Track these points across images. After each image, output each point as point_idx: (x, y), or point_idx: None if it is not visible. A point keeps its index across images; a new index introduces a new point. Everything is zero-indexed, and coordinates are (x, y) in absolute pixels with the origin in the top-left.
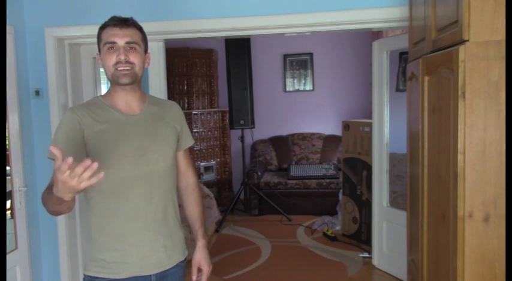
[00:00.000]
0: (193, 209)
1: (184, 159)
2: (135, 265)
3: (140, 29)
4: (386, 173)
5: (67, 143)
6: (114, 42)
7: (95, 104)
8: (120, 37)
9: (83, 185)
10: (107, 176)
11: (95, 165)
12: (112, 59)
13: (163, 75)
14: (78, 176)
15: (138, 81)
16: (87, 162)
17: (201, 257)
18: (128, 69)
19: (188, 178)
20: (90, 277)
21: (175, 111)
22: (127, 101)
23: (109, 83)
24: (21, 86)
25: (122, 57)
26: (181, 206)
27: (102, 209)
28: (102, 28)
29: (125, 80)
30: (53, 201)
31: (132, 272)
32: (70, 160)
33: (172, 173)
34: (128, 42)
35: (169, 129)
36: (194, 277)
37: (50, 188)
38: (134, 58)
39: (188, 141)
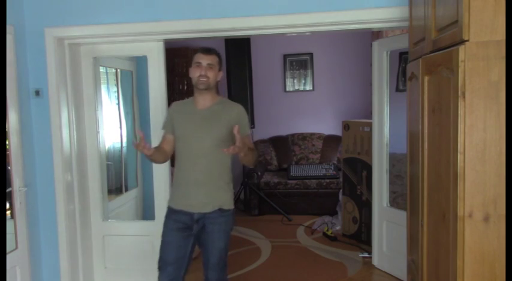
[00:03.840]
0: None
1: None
2: (184, 203)
3: (218, 55)
4: (386, 173)
5: (167, 123)
6: (200, 63)
7: (187, 101)
8: (204, 60)
9: (144, 152)
10: (181, 145)
11: (147, 146)
12: (197, 73)
13: (163, 75)
14: (140, 148)
15: (211, 88)
16: (142, 142)
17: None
18: (204, 80)
19: None
20: (168, 206)
21: (234, 110)
22: (201, 100)
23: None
24: (21, 86)
25: (203, 73)
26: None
27: (177, 167)
28: (195, 53)
29: (201, 87)
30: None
31: (182, 207)
32: (141, 135)
33: (217, 152)
34: (208, 64)
35: (221, 121)
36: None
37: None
38: (210, 74)
39: (244, 131)
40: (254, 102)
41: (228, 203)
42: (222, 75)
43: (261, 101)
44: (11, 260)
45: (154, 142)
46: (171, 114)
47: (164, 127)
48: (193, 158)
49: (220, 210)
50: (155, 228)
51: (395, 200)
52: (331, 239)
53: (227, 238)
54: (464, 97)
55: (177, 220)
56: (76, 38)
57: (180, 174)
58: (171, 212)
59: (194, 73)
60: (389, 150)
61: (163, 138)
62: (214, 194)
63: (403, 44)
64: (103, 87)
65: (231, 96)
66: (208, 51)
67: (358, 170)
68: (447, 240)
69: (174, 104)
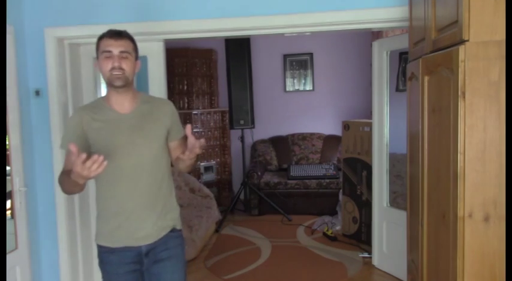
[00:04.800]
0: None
1: (179, 147)
2: (127, 239)
3: (132, 40)
4: (387, 173)
5: (72, 138)
6: (110, 51)
7: (96, 105)
8: (115, 47)
9: (92, 174)
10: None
11: (101, 159)
12: (108, 65)
13: (163, 75)
14: (88, 168)
15: (130, 84)
16: (95, 157)
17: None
18: (119, 74)
19: None
20: (98, 245)
21: (166, 108)
22: (120, 101)
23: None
24: (21, 86)
25: (116, 64)
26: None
27: (103, 191)
28: (100, 39)
29: (118, 83)
30: (69, 183)
31: (125, 244)
32: (83, 156)
33: (160, 163)
34: (121, 52)
35: (157, 125)
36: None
37: (65, 172)
38: (126, 65)
39: (179, 132)
40: (254, 102)
41: (179, 222)
42: (139, 65)
43: (261, 101)
44: (11, 260)
45: None
46: (79, 125)
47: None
48: (130, 179)
49: (172, 230)
50: None
51: (395, 200)
52: (331, 239)
53: (185, 267)
54: (464, 97)
55: (123, 261)
56: (76, 38)
57: (111, 202)
58: (108, 254)
59: (104, 66)
60: (390, 150)
61: (68, 159)
62: (165, 217)
63: (403, 44)
64: (103, 87)
65: (231, 97)
66: (118, 34)
67: (358, 170)
68: (447, 240)
69: (80, 110)
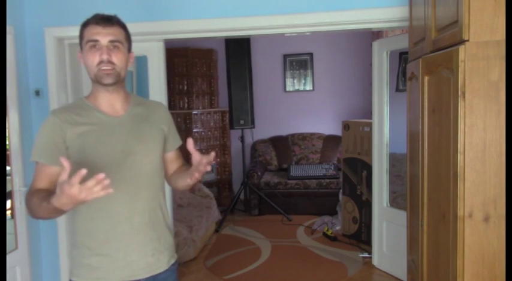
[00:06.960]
0: (182, 168)
1: (176, 160)
2: (123, 270)
3: (124, 27)
4: (387, 173)
5: (49, 147)
6: (96, 41)
7: (78, 106)
8: (103, 35)
9: (90, 197)
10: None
11: (107, 182)
12: (95, 58)
13: (163, 75)
14: (87, 190)
15: (121, 81)
16: (100, 176)
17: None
18: (109, 69)
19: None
20: None
21: (161, 111)
22: (110, 102)
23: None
24: (21, 86)
25: (105, 57)
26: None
27: (87, 212)
28: (84, 26)
29: (108, 80)
30: (47, 210)
31: (120, 277)
32: (83, 172)
33: (160, 175)
34: (111, 41)
35: (155, 131)
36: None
37: (40, 194)
38: (117, 58)
39: (176, 141)
40: (254, 102)
41: (174, 251)
42: (133, 59)
43: (261, 101)
44: (11, 260)
45: None
46: (58, 131)
47: (44, 156)
48: (126, 194)
49: (173, 264)
50: None
51: (396, 200)
52: (331, 239)
53: None
54: (464, 97)
55: None
56: (76, 38)
57: (101, 225)
58: None
59: (90, 59)
60: (390, 150)
61: (42, 174)
62: (165, 241)
63: (403, 44)
64: None
65: (231, 97)
66: (107, 20)
67: (358, 170)
68: (447, 240)
69: (58, 112)
